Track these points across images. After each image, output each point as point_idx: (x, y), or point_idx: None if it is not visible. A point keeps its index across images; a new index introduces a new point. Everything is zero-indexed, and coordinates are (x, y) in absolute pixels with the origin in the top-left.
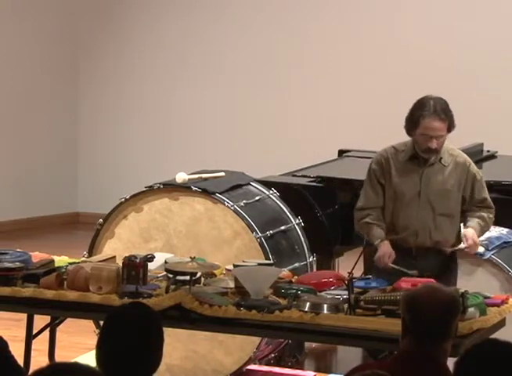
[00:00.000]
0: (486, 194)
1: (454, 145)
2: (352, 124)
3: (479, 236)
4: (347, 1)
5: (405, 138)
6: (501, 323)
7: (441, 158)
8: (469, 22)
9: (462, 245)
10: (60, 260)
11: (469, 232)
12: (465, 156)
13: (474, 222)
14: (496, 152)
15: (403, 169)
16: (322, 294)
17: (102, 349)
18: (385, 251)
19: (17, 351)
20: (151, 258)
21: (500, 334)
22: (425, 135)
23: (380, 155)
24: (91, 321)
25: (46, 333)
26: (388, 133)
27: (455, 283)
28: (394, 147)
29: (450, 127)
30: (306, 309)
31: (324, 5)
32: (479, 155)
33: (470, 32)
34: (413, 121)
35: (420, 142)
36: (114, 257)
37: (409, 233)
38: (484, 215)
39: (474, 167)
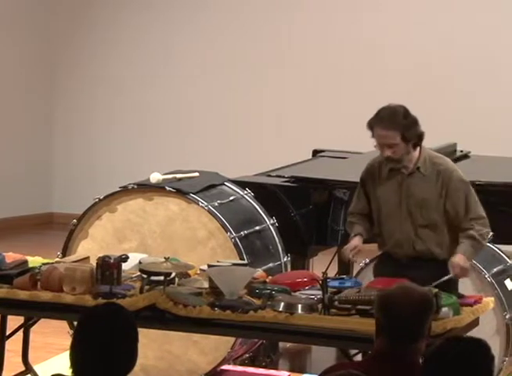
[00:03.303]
0: (472, 204)
1: (428, 144)
2: (327, 125)
3: (473, 257)
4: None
5: None
6: (475, 323)
7: (418, 167)
8: (439, 24)
9: (450, 275)
10: (34, 260)
11: (455, 261)
12: (448, 163)
13: (465, 245)
14: (469, 152)
15: (387, 179)
16: (297, 294)
17: (76, 350)
18: (351, 243)
19: None
20: (125, 259)
21: (474, 334)
22: (378, 143)
23: (370, 164)
24: (65, 322)
25: (20, 334)
26: (363, 133)
27: (456, 289)
28: None
29: (405, 135)
30: (280, 309)
31: (306, 4)
32: (453, 155)
33: (445, 37)
34: (370, 129)
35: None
36: (88, 257)
37: (393, 244)
38: (474, 233)
39: (457, 174)
